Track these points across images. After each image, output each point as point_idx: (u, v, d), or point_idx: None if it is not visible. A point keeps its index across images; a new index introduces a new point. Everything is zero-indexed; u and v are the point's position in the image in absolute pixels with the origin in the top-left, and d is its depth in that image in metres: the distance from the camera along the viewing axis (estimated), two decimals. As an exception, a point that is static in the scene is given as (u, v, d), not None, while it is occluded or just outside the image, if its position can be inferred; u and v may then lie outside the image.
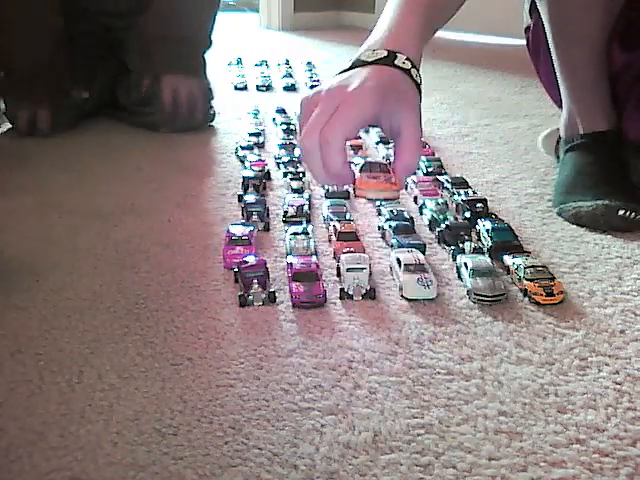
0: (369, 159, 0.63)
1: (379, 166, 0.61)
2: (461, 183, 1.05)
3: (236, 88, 1.86)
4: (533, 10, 1.07)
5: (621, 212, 0.88)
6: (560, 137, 1.12)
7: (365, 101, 0.57)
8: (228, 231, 0.87)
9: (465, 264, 0.78)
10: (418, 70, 0.62)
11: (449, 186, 1.04)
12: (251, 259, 0.78)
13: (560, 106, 1.08)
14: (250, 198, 0.97)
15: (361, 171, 0.60)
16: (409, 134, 0.57)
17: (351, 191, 0.94)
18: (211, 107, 1.42)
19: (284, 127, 1.38)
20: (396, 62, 0.59)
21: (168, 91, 1.32)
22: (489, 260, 0.79)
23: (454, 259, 0.82)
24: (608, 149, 0.99)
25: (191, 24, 1.37)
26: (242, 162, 1.19)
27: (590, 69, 0.98)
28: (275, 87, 1.88)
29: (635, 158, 0.98)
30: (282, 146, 1.25)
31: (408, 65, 0.60)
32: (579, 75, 1.00)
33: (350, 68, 0.61)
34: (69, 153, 1.25)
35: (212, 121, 1.44)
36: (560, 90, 1.04)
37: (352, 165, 0.61)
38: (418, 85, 0.61)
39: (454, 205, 0.99)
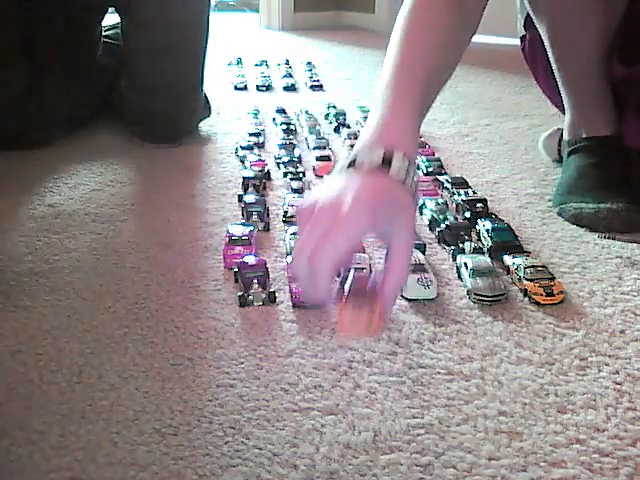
0: (357, 271, 0.57)
1: (366, 288, 0.55)
2: (461, 183, 1.05)
3: (236, 88, 1.86)
4: (528, 25, 1.07)
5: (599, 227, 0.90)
6: (562, 138, 1.12)
7: (356, 223, 0.53)
8: (228, 231, 0.87)
9: (465, 264, 0.78)
10: (414, 165, 0.59)
11: (449, 186, 1.04)
12: (251, 259, 0.78)
13: (562, 111, 1.08)
14: (250, 198, 0.97)
15: (347, 295, 0.54)
16: (399, 254, 0.54)
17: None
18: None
19: (284, 127, 1.38)
20: (391, 172, 0.56)
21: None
22: (489, 260, 0.79)
23: (454, 259, 0.82)
24: (611, 152, 0.99)
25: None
26: (242, 162, 1.19)
27: (590, 81, 0.99)
28: (275, 87, 1.88)
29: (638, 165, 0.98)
30: (282, 146, 1.25)
31: (403, 173, 0.56)
32: (580, 86, 1.01)
33: (348, 164, 0.58)
34: (69, 153, 1.25)
35: (208, 117, 1.44)
36: (562, 97, 1.04)
37: (341, 282, 0.56)
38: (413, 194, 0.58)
39: (454, 205, 0.99)
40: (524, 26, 1.10)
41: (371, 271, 0.78)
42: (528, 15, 1.04)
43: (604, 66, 0.98)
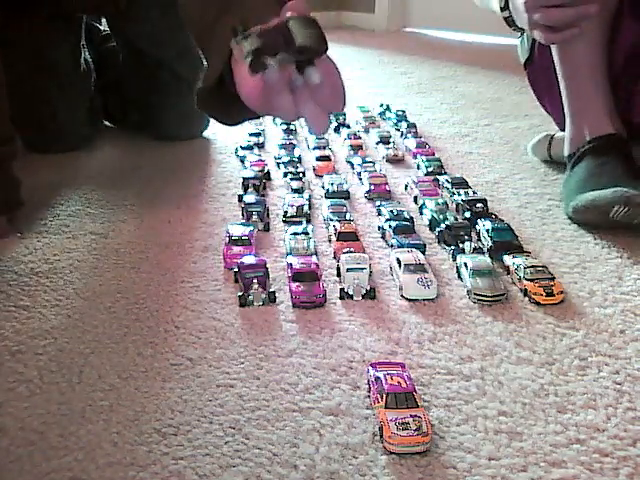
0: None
1: (405, 398, 0.54)
2: (461, 183, 1.05)
3: (236, 88, 1.85)
4: (536, 46, 1.11)
5: (616, 207, 0.86)
6: (551, 141, 1.16)
7: None
8: (228, 231, 0.87)
9: (465, 264, 0.78)
10: None
11: (449, 186, 1.04)
12: (251, 259, 0.78)
13: (563, 128, 1.08)
14: (250, 198, 0.97)
15: (386, 407, 0.54)
16: None
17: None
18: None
19: (284, 127, 1.38)
20: None
21: None
22: (489, 260, 0.79)
23: (454, 259, 0.82)
24: (617, 149, 0.99)
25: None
26: (242, 162, 1.19)
27: (593, 80, 1.00)
28: (275, 87, 1.88)
29: None
30: (282, 146, 1.25)
31: None
32: (583, 87, 1.01)
33: None
34: (68, 154, 1.25)
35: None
36: (564, 106, 1.05)
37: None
38: None
39: (454, 205, 0.99)
40: (529, 55, 1.14)
41: (371, 271, 0.78)
42: (534, 42, 1.07)
43: (606, 65, 0.98)
